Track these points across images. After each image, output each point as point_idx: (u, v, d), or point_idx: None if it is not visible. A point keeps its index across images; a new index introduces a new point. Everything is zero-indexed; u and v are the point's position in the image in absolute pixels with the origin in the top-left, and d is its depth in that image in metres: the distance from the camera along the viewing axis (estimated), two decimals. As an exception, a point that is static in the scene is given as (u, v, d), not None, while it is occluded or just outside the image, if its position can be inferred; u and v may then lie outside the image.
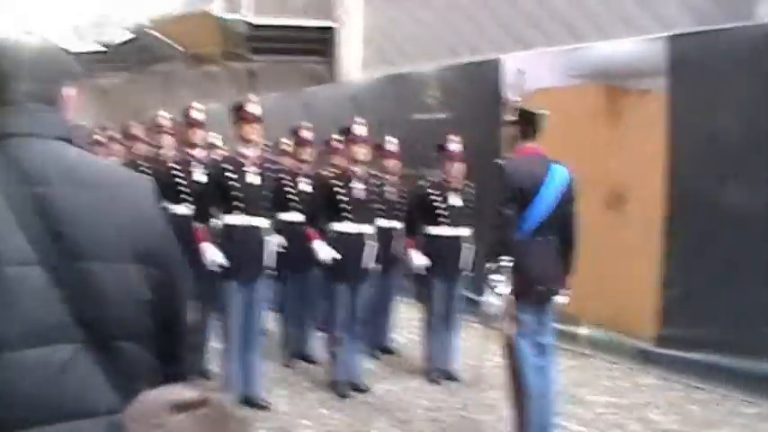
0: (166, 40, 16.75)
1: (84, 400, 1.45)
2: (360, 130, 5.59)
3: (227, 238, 5.08)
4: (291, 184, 6.32)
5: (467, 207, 6.05)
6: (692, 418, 5.36)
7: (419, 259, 5.98)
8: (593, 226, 6.70)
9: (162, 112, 6.50)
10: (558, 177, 4.43)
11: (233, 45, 16.71)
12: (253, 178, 5.11)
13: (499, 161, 4.45)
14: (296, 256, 5.89)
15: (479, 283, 4.44)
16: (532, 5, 10.50)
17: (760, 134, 5.72)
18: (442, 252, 5.95)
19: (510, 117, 4.57)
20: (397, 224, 6.38)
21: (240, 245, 5.06)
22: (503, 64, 7.78)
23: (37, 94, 1.58)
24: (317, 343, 6.40)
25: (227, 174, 5.04)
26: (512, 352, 4.41)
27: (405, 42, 13.44)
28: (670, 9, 7.63)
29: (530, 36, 10.57)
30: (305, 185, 6.34)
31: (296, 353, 6.45)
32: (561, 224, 4.46)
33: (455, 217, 5.98)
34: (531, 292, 4.37)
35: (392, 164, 6.52)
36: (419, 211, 6.05)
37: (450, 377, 6.05)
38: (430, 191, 5.99)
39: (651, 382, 6.17)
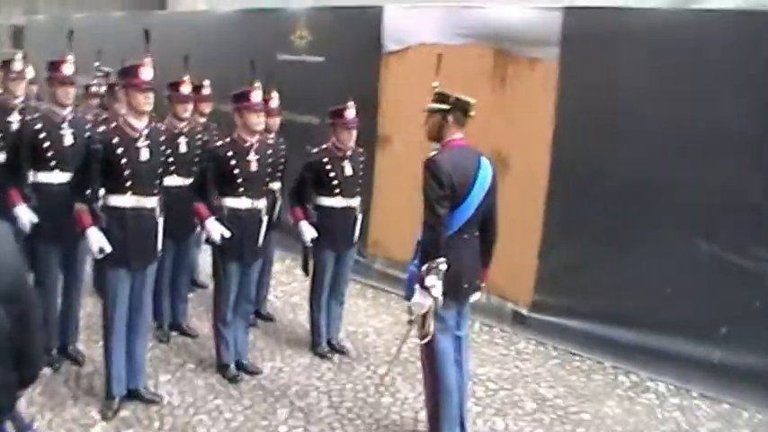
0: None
1: None
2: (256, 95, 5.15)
3: (117, 222, 4.58)
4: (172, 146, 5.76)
5: (357, 176, 5.82)
6: (578, 390, 5.62)
7: (309, 232, 5.70)
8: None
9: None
10: (485, 171, 4.35)
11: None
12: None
13: (433, 155, 4.24)
14: (174, 223, 5.41)
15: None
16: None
17: (641, 112, 5.91)
18: (336, 224, 5.73)
19: (435, 105, 4.36)
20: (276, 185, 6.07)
21: (133, 230, 4.60)
22: (385, 13, 7.46)
23: None
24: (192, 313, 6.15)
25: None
26: (432, 350, 4.37)
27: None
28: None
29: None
30: (184, 147, 5.84)
31: (171, 325, 6.10)
32: (485, 218, 4.41)
33: (348, 187, 5.75)
34: (459, 290, 4.34)
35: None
36: (311, 180, 5.72)
37: (337, 350, 5.96)
38: (324, 160, 5.68)
39: (531, 349, 6.40)
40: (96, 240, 4.47)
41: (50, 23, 13.71)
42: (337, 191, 5.69)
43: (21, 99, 5.92)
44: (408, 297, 4.27)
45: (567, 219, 6.38)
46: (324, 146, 5.76)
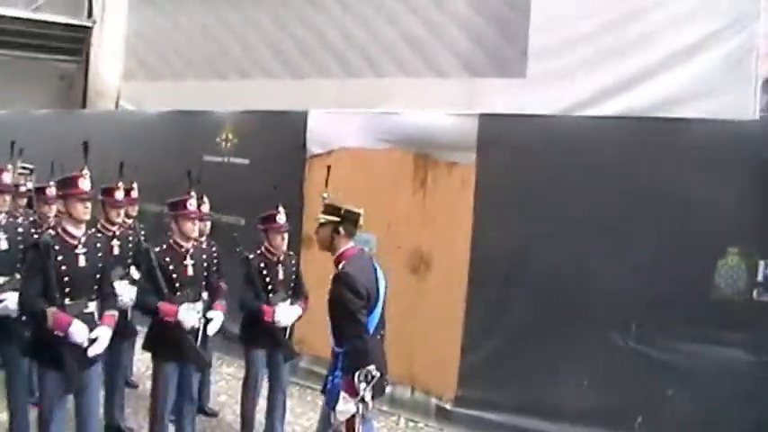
0: None
1: None
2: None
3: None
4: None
5: (289, 279, 5.94)
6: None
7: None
8: (399, 289, 6.99)
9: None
10: (379, 270, 4.61)
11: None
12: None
13: (344, 270, 4.42)
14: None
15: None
16: (309, 36, 10.67)
17: (553, 211, 6.26)
18: (267, 325, 5.75)
19: (325, 217, 4.53)
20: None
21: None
22: (309, 117, 7.76)
23: None
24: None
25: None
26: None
27: (172, 56, 12.91)
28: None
29: (302, 66, 10.73)
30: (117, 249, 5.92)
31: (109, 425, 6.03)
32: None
33: (280, 290, 5.84)
34: (383, 388, 4.47)
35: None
36: (248, 284, 5.78)
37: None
38: (261, 265, 5.78)
39: (455, 443, 6.49)
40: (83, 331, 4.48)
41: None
42: (271, 294, 5.78)
43: None
44: (332, 406, 4.33)
45: (488, 314, 6.60)
46: (258, 251, 5.87)
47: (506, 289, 6.51)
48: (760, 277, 5.40)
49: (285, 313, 5.70)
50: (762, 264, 5.40)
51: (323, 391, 4.60)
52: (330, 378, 4.46)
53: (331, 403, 4.34)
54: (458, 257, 6.73)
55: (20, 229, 5.34)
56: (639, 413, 5.82)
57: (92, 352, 4.55)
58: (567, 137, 6.29)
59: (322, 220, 4.53)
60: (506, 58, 8.34)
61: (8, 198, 5.26)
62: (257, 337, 5.80)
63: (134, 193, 6.55)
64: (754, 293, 5.35)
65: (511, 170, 6.51)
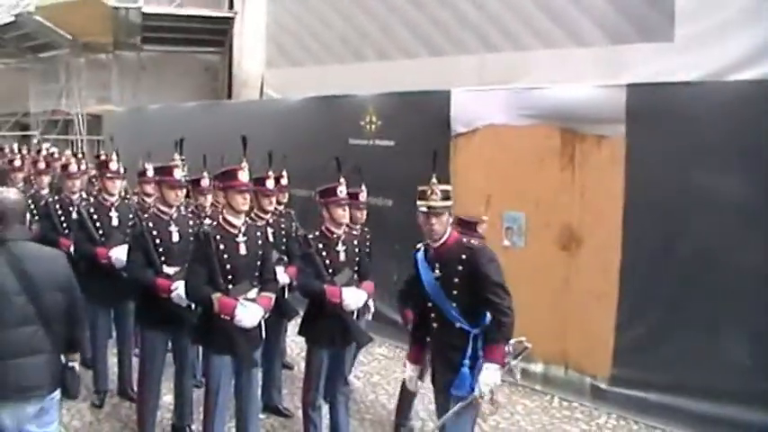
0: (52, 26, 15.82)
1: (39, 348, 3.70)
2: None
3: None
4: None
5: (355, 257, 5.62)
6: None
7: None
8: (549, 267, 6.90)
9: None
10: None
11: (125, 34, 16.02)
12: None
13: (481, 244, 4.43)
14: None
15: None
16: (446, 13, 10.64)
17: (710, 184, 5.99)
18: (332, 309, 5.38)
19: (445, 203, 4.35)
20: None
21: None
22: (452, 96, 7.74)
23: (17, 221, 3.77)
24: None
25: None
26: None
27: (311, 42, 13.18)
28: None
29: (440, 43, 10.72)
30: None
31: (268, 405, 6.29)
32: None
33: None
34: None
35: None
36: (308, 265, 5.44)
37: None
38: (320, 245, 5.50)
39: (612, 424, 6.39)
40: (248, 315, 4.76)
41: (126, 114, 14.43)
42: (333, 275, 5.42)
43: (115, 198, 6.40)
44: (461, 392, 4.24)
45: (643, 291, 6.40)
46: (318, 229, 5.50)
47: (661, 264, 6.28)
48: None
49: (353, 296, 5.25)
50: None
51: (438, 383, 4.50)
52: (455, 364, 4.28)
53: (463, 389, 4.23)
54: (610, 233, 6.55)
55: (190, 222, 5.63)
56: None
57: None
58: (720, 103, 5.98)
59: (443, 207, 4.34)
60: (651, 22, 8.07)
61: (181, 193, 5.54)
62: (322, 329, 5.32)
63: (283, 181, 6.70)
64: None
65: (662, 142, 6.25)
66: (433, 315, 4.41)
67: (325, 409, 5.45)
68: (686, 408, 6.10)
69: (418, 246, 4.56)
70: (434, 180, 4.32)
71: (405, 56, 11.22)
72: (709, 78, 7.01)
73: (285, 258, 6.23)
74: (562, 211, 6.84)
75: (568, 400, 6.80)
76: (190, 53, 16.94)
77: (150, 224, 5.39)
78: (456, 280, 4.29)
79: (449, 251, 4.34)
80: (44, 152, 12.28)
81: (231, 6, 16.02)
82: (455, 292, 4.30)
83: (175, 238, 5.45)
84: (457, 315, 4.28)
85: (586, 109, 6.73)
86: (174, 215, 5.53)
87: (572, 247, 6.83)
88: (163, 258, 5.37)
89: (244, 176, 4.82)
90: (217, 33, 16.09)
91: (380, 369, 7.37)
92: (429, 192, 4.28)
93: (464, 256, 4.28)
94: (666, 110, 6.25)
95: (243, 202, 4.81)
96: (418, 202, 4.36)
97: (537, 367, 7.04)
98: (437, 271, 4.35)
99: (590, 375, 6.79)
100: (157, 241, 5.37)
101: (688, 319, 6.13)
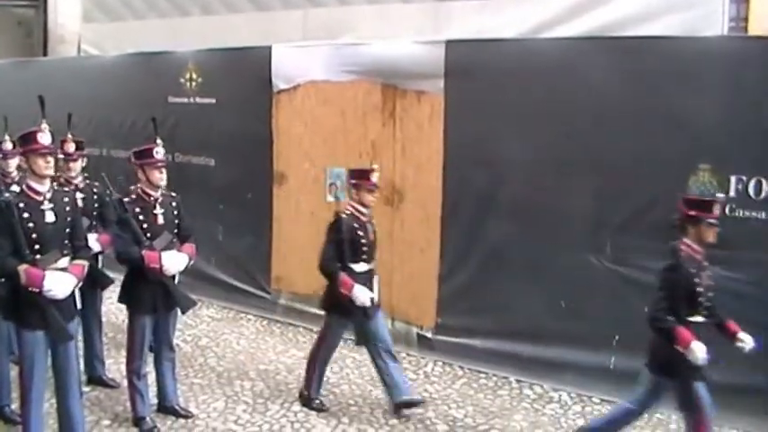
0: None
1: None
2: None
3: None
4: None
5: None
6: (486, 408, 5.86)
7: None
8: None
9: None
10: None
11: None
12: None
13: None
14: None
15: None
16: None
17: (524, 136, 6.25)
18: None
19: None
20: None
21: None
22: (273, 53, 7.60)
23: None
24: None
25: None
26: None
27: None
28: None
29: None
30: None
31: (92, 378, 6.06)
32: None
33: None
34: None
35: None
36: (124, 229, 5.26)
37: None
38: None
39: (438, 371, 6.60)
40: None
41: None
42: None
43: None
44: None
45: (464, 242, 6.63)
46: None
47: (481, 216, 6.52)
48: (732, 193, 5.44)
49: (173, 260, 5.14)
50: (733, 179, 5.43)
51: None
52: None
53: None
54: (431, 187, 6.72)
55: None
56: (616, 332, 5.91)
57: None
58: (536, 60, 6.21)
59: None
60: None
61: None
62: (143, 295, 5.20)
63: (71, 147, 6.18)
64: (726, 209, 5.37)
65: (481, 97, 6.44)
66: None
67: (152, 377, 5.32)
68: (509, 351, 6.43)
69: None
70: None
71: (229, 10, 10.85)
72: (525, 36, 7.23)
73: (96, 224, 5.95)
74: (384, 166, 6.89)
75: (396, 351, 6.94)
76: (0, 7, 15.72)
77: None
78: None
79: None
80: None
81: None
82: None
83: None
84: None
85: (407, 65, 6.82)
86: None
87: (395, 200, 6.95)
88: None
89: (44, 138, 4.48)
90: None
91: (209, 332, 7.25)
92: None
93: None
94: (483, 66, 6.42)
95: (45, 165, 4.47)
96: None
97: (364, 320, 7.14)
98: None
99: (416, 325, 6.99)
100: None
101: (508, 266, 6.42)
